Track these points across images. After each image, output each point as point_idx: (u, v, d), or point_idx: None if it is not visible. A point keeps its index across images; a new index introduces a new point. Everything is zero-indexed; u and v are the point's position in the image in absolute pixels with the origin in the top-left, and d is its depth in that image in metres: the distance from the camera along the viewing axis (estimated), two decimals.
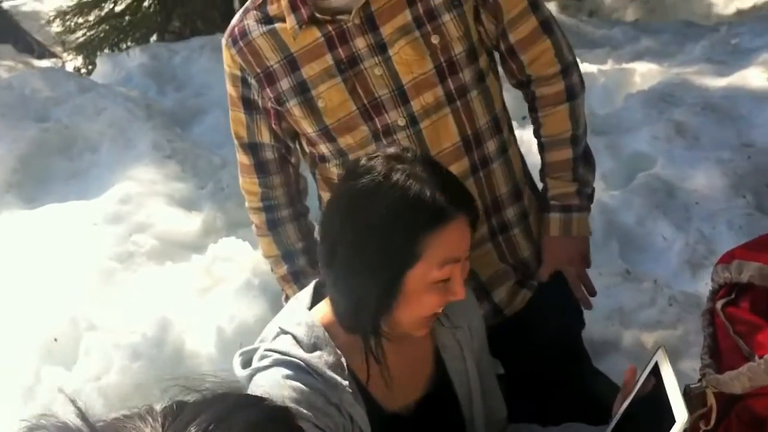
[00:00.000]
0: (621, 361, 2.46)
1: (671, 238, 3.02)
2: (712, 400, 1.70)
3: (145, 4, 7.19)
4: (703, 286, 2.65)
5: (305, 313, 1.47)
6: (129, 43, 7.03)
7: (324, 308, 1.48)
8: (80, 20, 6.95)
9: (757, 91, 3.80)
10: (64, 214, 3.41)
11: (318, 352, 1.40)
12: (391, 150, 1.43)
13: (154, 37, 6.55)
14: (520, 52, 1.84)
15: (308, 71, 1.76)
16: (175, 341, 2.68)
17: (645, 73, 4.31)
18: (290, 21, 1.73)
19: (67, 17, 6.80)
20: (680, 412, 1.39)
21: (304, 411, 1.32)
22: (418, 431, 1.53)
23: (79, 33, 6.99)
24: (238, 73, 1.82)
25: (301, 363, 1.38)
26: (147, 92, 4.56)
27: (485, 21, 1.80)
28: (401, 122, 1.77)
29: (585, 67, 4.57)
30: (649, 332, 2.56)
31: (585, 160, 1.93)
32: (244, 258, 3.11)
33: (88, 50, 7.30)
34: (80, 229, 3.30)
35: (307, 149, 1.92)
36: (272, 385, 1.36)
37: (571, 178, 1.90)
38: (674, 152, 3.45)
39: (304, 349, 1.40)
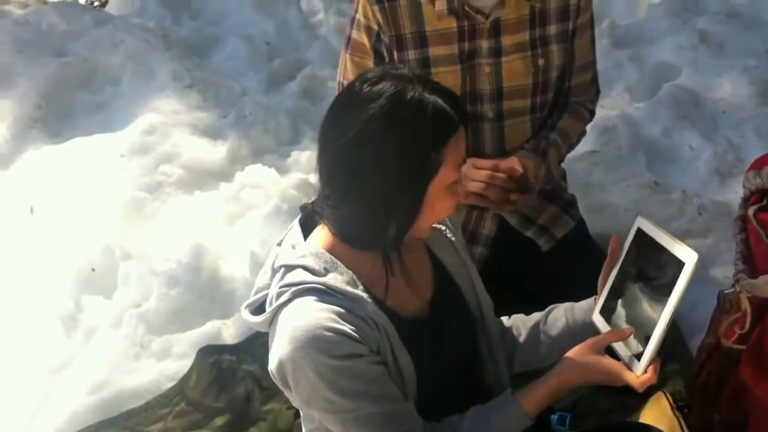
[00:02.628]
0: None
1: (699, 147, 3.01)
2: (746, 305, 1.73)
3: None
4: (732, 195, 2.66)
5: (306, 245, 1.48)
6: None
7: (320, 236, 1.49)
8: None
9: None
10: (91, 147, 3.44)
11: (331, 274, 1.41)
12: (391, 69, 1.43)
13: None
14: (573, 90, 2.20)
15: (435, 51, 2.01)
16: (210, 267, 2.73)
17: None
18: (440, 4, 1.96)
19: None
20: (688, 254, 1.37)
21: (338, 326, 1.34)
22: (437, 332, 1.56)
23: None
24: (375, 27, 2.02)
25: (320, 286, 1.39)
26: (163, 22, 4.51)
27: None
28: (490, 114, 2.07)
29: None
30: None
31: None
32: (272, 184, 3.13)
33: None
34: (108, 162, 3.33)
35: None
36: (302, 314, 1.37)
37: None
38: (699, 61, 3.41)
39: (317, 275, 1.41)
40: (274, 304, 1.41)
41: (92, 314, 2.62)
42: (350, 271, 1.44)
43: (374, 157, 1.35)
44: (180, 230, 2.98)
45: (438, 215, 1.48)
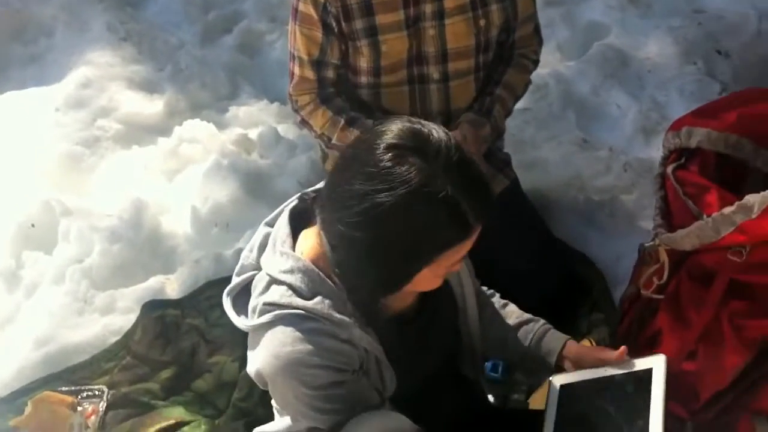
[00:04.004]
0: (579, 226, 2.61)
1: (625, 106, 3.11)
2: (664, 257, 1.86)
3: None
4: (656, 152, 2.76)
5: (294, 258, 1.43)
6: None
7: (310, 243, 1.45)
8: None
9: None
10: (25, 101, 3.39)
11: (318, 297, 1.39)
12: (423, 137, 1.30)
13: None
14: (517, 43, 2.29)
15: (381, 19, 2.08)
16: (151, 222, 2.75)
17: None
18: None
19: None
20: (651, 361, 1.46)
21: (318, 359, 1.35)
22: (424, 327, 1.59)
23: None
24: None
25: (304, 312, 1.37)
26: None
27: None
28: (436, 76, 2.17)
29: None
30: (605, 197, 2.69)
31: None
32: (210, 139, 3.15)
33: None
34: (43, 115, 3.28)
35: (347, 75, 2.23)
36: (281, 342, 1.37)
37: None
38: (627, 21, 3.50)
39: (303, 297, 1.39)
40: (257, 321, 1.40)
41: (33, 270, 2.63)
42: (336, 288, 1.41)
43: (375, 240, 1.30)
44: (119, 185, 2.98)
45: (419, 289, 1.47)
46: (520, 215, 2.33)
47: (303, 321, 1.37)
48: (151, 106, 3.39)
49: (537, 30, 2.34)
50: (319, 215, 1.41)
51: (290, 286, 1.40)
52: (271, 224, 1.55)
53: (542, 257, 2.32)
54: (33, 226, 2.77)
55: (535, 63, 2.36)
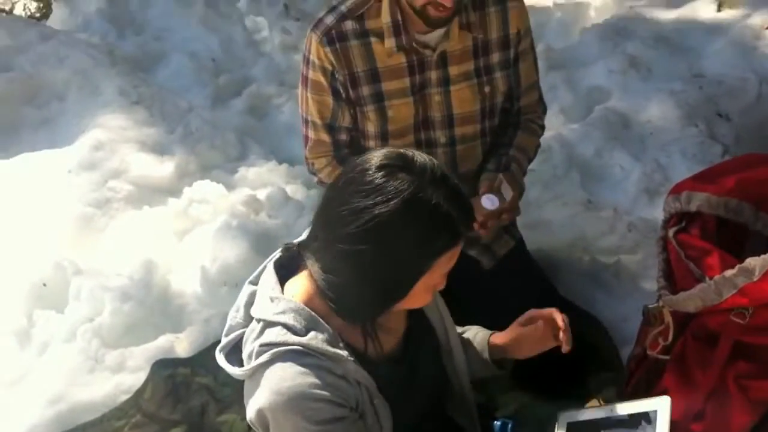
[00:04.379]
0: (585, 286, 2.63)
1: (629, 167, 3.17)
2: (668, 318, 1.88)
3: None
4: (660, 212, 2.80)
5: (285, 300, 1.47)
6: None
7: (299, 287, 1.49)
8: None
9: (706, 22, 3.92)
10: (38, 162, 3.46)
11: (312, 333, 1.42)
12: (411, 157, 1.40)
13: None
14: (523, 110, 2.34)
15: (388, 86, 2.14)
16: (161, 282, 2.79)
17: (599, 7, 4.40)
18: (389, 42, 2.09)
19: None
20: (656, 403, 1.50)
21: (319, 392, 1.38)
22: (411, 369, 1.62)
23: None
24: (329, 67, 2.13)
25: (300, 348, 1.40)
26: (107, 37, 4.53)
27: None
28: (443, 140, 2.23)
29: (541, 2, 4.66)
30: (609, 257, 2.72)
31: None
32: (220, 200, 3.21)
33: None
34: (55, 177, 3.36)
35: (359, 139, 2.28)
36: (283, 379, 1.39)
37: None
38: (629, 84, 3.58)
39: (298, 334, 1.42)
40: (254, 363, 1.42)
41: (45, 329, 2.67)
42: (330, 327, 1.45)
43: (376, 250, 1.36)
44: (130, 245, 3.02)
45: (412, 304, 1.51)
46: (526, 276, 2.36)
47: (301, 356, 1.40)
48: (162, 168, 3.45)
49: (541, 98, 2.40)
50: (309, 252, 1.47)
51: (284, 326, 1.43)
52: (255, 282, 1.59)
53: None
54: (45, 285, 2.81)
55: (542, 128, 2.41)
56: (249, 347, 1.47)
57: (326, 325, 1.45)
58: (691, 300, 1.84)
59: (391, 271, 1.39)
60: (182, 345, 2.56)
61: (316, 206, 1.48)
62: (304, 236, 1.56)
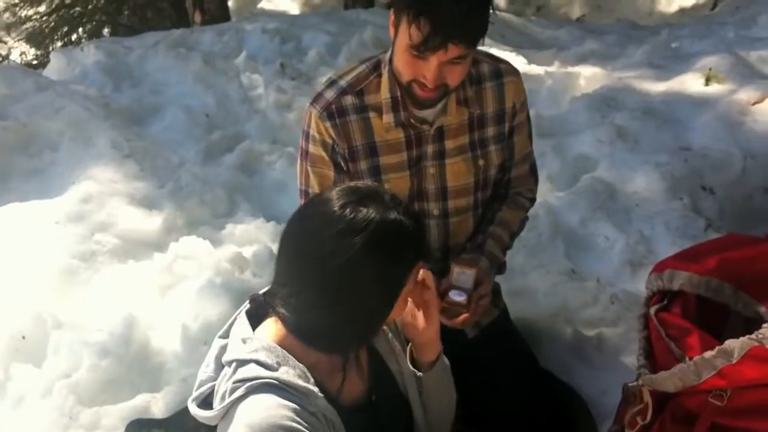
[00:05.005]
0: (566, 358, 2.63)
1: (613, 238, 3.19)
2: (647, 398, 1.88)
3: None
4: (643, 285, 2.81)
5: (257, 340, 1.53)
6: (80, 34, 7.04)
7: (271, 329, 1.55)
8: (30, 12, 6.93)
9: (694, 95, 3.99)
10: (26, 213, 3.46)
11: (284, 368, 1.48)
12: (367, 189, 1.54)
13: (106, 30, 6.54)
14: (513, 181, 2.35)
15: (385, 160, 2.15)
16: (141, 339, 2.77)
17: (589, 77, 4.49)
18: (388, 118, 2.11)
19: (17, 8, 6.78)
20: None
21: (293, 425, 1.41)
22: (374, 418, 1.65)
23: (29, 24, 6.97)
24: (329, 141, 2.14)
25: (275, 381, 1.46)
26: (103, 89, 4.59)
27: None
28: (436, 212, 2.22)
29: (532, 69, 4.74)
30: (591, 329, 2.72)
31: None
32: (205, 256, 3.20)
33: (38, 40, 7.28)
34: (42, 228, 3.34)
35: None
36: (258, 410, 1.43)
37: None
38: (616, 155, 3.62)
39: (270, 370, 1.47)
40: (228, 399, 1.46)
41: (21, 383, 2.63)
42: (301, 365, 1.51)
43: (357, 281, 1.47)
44: (112, 300, 3.01)
45: (391, 318, 1.62)
46: (509, 348, 2.35)
47: (274, 389, 1.46)
48: (149, 222, 3.45)
49: (533, 169, 2.40)
50: (278, 298, 1.54)
51: (257, 362, 1.48)
52: (224, 336, 1.64)
53: (531, 391, 2.33)
54: (24, 338, 2.78)
55: (532, 201, 2.41)
56: (222, 389, 1.50)
57: (296, 361, 1.51)
58: (670, 380, 1.84)
59: (376, 294, 1.50)
60: (158, 405, 2.53)
61: (278, 258, 1.56)
62: (268, 288, 1.63)
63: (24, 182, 3.75)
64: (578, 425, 2.38)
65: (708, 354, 1.75)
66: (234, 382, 1.47)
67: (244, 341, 1.54)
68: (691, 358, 1.79)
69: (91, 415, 2.49)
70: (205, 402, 1.57)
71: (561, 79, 4.51)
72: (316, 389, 1.49)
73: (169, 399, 2.53)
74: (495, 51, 4.07)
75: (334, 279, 1.45)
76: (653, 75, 4.36)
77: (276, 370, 1.47)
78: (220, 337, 1.65)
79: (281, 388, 1.45)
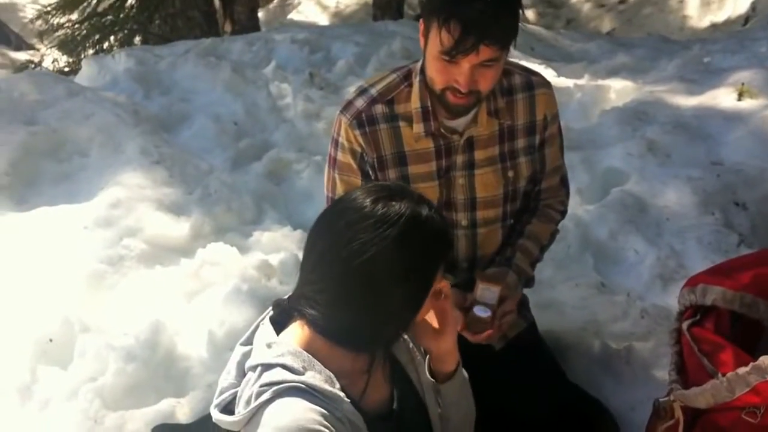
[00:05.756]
0: (594, 371, 2.59)
1: (643, 252, 3.15)
2: (679, 413, 1.84)
3: (127, 3, 7.27)
4: (673, 299, 2.78)
5: (284, 344, 1.52)
6: (112, 42, 7.12)
7: (296, 334, 1.55)
8: (62, 20, 7.02)
9: (726, 110, 3.95)
10: (55, 217, 3.48)
11: (310, 372, 1.48)
12: (398, 188, 1.55)
13: (137, 39, 6.60)
14: (543, 193, 2.33)
15: (414, 170, 2.13)
16: (167, 344, 2.77)
17: (620, 90, 4.46)
18: (418, 128, 2.10)
19: (50, 16, 6.87)
20: None
21: (321, 429, 1.40)
22: (398, 426, 1.64)
23: (61, 32, 7.06)
24: (358, 149, 2.13)
25: (302, 385, 1.45)
26: (133, 96, 4.62)
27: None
28: (464, 222, 2.21)
29: (562, 81, 4.72)
30: (621, 343, 2.68)
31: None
32: (232, 263, 3.21)
33: (70, 48, 7.38)
34: (71, 232, 3.36)
35: None
36: (285, 414, 1.41)
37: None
38: (646, 169, 3.59)
39: (296, 374, 1.46)
40: (254, 403, 1.45)
41: (47, 385, 2.64)
42: (327, 370, 1.50)
43: (387, 276, 1.47)
44: (139, 305, 3.02)
45: (421, 317, 1.61)
46: (535, 359, 2.33)
47: (301, 393, 1.45)
48: (177, 228, 3.46)
49: (564, 181, 2.38)
50: (303, 299, 1.53)
51: (283, 366, 1.48)
52: (245, 343, 1.63)
53: (558, 404, 2.30)
54: (51, 341, 2.79)
55: (563, 213, 2.38)
56: (246, 393, 1.49)
57: (322, 366, 1.50)
58: (702, 396, 1.80)
59: (406, 289, 1.50)
60: (183, 410, 2.53)
61: (306, 255, 1.55)
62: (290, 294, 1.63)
63: (53, 187, 3.78)
64: None
65: (742, 370, 1.72)
66: (260, 386, 1.46)
67: (269, 346, 1.53)
68: (724, 374, 1.75)
69: (116, 419, 2.49)
70: (226, 409, 1.55)
71: (591, 92, 4.49)
72: (342, 394, 1.48)
73: (194, 404, 2.53)
74: (524, 64, 4.06)
75: (364, 272, 1.45)
76: (684, 89, 4.33)
77: (302, 374, 1.47)
78: (242, 344, 1.64)
79: (308, 392, 1.45)
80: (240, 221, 3.63)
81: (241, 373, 1.58)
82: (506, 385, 2.08)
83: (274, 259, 3.26)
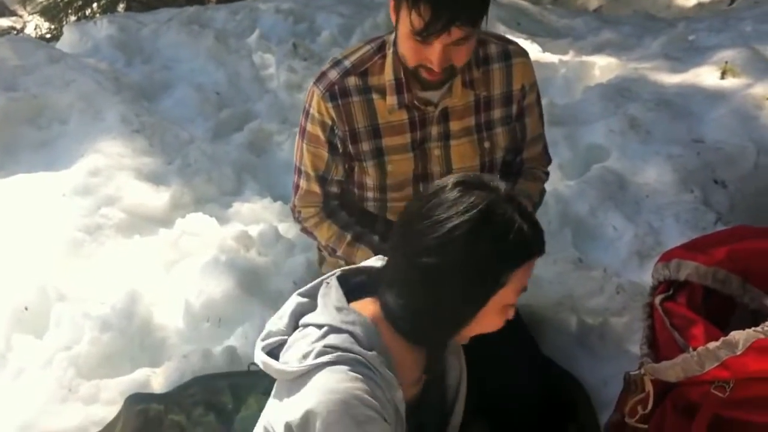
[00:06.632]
0: (569, 346, 2.61)
1: (621, 228, 3.16)
2: (649, 387, 1.86)
3: None
4: (649, 276, 2.80)
5: (356, 313, 1.53)
6: (94, 9, 7.03)
7: (366, 308, 1.55)
8: None
9: (709, 89, 3.94)
10: (33, 185, 3.46)
11: (374, 352, 1.48)
12: (487, 179, 1.50)
13: (121, 6, 6.51)
14: (527, 162, 2.33)
15: (388, 142, 2.13)
16: (143, 313, 2.76)
17: (604, 66, 4.44)
18: (391, 99, 2.08)
19: None
20: None
21: (373, 401, 1.41)
22: (419, 416, 1.65)
23: None
24: (329, 122, 2.12)
25: (364, 360, 1.45)
26: (115, 64, 4.57)
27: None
28: None
29: (547, 57, 4.70)
30: (596, 318, 2.70)
31: None
32: (211, 234, 3.20)
33: (53, 14, 7.28)
34: (49, 200, 3.34)
35: (352, 189, 2.28)
36: (342, 379, 1.42)
37: None
38: (628, 146, 3.58)
39: (362, 347, 1.47)
40: (314, 361, 1.44)
41: (22, 354, 2.63)
42: (389, 354, 1.51)
43: (449, 264, 1.44)
44: (116, 274, 3.00)
45: (482, 329, 1.57)
46: (510, 332, 2.33)
47: (362, 367, 1.45)
48: (156, 198, 3.44)
49: (545, 149, 2.39)
50: (384, 280, 1.53)
51: (352, 334, 1.48)
52: (305, 295, 1.63)
53: (531, 376, 2.32)
54: (26, 309, 2.78)
55: (546, 174, 2.40)
56: (304, 347, 1.49)
57: (386, 348, 1.51)
58: (672, 369, 1.82)
59: (467, 285, 1.45)
60: (158, 380, 2.52)
61: (396, 231, 1.55)
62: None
63: (32, 154, 3.74)
64: (578, 413, 2.36)
65: (712, 345, 1.73)
66: (325, 346, 1.46)
67: (339, 309, 1.53)
68: (694, 349, 1.77)
69: (90, 388, 2.49)
70: (271, 353, 1.55)
71: (575, 68, 4.46)
72: (397, 382, 1.49)
73: (169, 374, 2.52)
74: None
75: (430, 253, 1.43)
76: (668, 67, 4.31)
77: (369, 350, 1.47)
78: (300, 294, 1.63)
79: (370, 369, 1.45)
80: (220, 192, 3.61)
81: (293, 323, 1.58)
82: (480, 354, 2.08)
83: (254, 231, 3.24)
